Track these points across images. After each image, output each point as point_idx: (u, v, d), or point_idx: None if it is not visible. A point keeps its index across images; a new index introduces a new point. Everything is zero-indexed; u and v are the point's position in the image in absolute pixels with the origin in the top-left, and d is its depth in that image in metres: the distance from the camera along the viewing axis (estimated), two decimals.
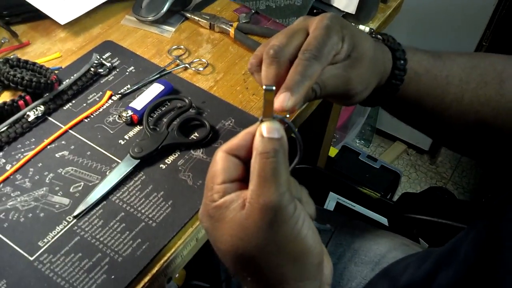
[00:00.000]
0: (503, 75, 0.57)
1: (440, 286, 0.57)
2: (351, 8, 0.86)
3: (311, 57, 0.45)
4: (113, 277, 0.54)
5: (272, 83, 0.47)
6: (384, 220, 1.19)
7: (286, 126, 0.42)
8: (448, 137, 0.63)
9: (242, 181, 0.40)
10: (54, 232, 0.58)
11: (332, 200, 1.29)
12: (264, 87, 0.39)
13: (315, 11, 0.88)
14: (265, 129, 0.38)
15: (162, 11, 0.85)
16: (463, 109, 0.57)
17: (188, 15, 0.87)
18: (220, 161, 0.40)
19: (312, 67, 0.45)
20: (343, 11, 0.87)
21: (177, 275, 0.60)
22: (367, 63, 0.51)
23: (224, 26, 0.85)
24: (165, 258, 0.58)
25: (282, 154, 0.38)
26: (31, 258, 0.55)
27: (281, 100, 0.43)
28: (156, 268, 0.57)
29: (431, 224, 0.87)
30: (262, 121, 0.40)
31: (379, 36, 0.59)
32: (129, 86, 0.74)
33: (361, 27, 0.88)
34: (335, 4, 0.88)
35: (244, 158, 0.41)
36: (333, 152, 1.61)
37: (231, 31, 0.84)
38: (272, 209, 0.37)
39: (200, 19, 0.86)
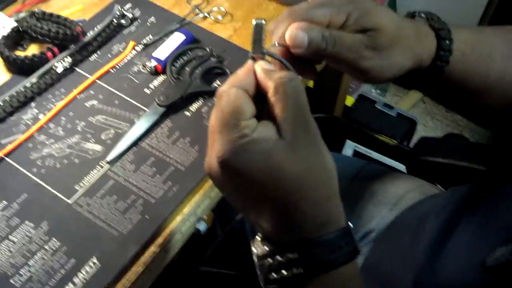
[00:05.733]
0: None
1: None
2: None
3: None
4: (147, 216, 0.58)
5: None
6: (401, 167, 1.21)
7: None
8: (488, 118, 0.61)
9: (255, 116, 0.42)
10: (89, 177, 0.61)
11: (349, 148, 1.30)
12: (253, 21, 0.43)
13: None
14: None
15: None
16: (505, 88, 0.55)
17: None
18: (240, 97, 0.41)
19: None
20: None
21: (205, 216, 0.63)
22: (388, 39, 0.47)
23: None
24: (195, 199, 0.61)
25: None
26: (69, 201, 0.59)
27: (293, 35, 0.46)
28: (186, 208, 0.60)
29: (449, 167, 0.88)
30: (253, 58, 0.45)
31: (422, 15, 0.54)
32: (151, 36, 0.76)
33: None
34: None
35: (252, 94, 0.43)
36: (349, 101, 1.62)
37: None
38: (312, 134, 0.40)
39: None
